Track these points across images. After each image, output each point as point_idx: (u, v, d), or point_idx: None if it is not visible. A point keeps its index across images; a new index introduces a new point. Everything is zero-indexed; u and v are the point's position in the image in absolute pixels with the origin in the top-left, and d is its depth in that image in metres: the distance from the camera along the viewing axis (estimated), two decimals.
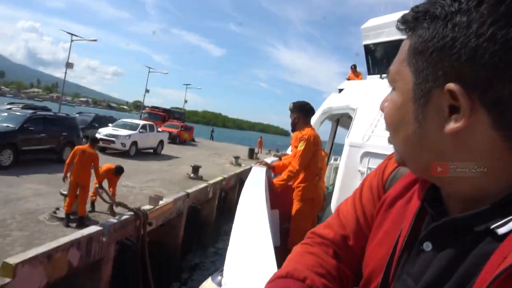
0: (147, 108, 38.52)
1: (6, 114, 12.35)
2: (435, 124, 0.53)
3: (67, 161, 7.61)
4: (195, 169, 14.37)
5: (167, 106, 40.94)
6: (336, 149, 11.32)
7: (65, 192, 7.51)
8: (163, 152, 20.72)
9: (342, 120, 10.57)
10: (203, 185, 12.26)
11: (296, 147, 3.80)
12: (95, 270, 6.56)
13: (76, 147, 7.85)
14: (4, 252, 5.38)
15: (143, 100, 43.93)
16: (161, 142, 20.65)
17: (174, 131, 28.11)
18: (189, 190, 10.87)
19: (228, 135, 73.88)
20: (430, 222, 0.61)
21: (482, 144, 0.50)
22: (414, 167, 0.60)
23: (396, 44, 8.59)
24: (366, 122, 6.96)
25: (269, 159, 5.03)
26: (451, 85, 0.50)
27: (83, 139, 15.59)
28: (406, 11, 0.56)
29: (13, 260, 4.74)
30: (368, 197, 0.79)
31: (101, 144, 15.35)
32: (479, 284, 0.47)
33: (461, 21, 0.48)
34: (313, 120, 9.19)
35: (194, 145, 30.39)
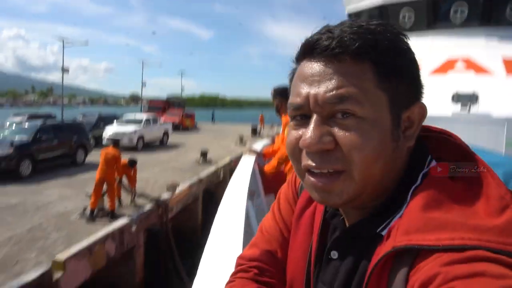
0: (144, 101, 38.95)
1: (17, 127, 13.00)
2: (402, 141, 0.57)
3: None
4: (203, 154, 14.98)
5: (164, 95, 41.50)
6: None
7: (90, 193, 8.17)
8: (169, 141, 21.30)
9: None
10: (213, 168, 12.90)
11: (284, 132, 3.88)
12: (129, 257, 7.28)
13: (101, 150, 8.61)
14: (50, 252, 6.06)
15: (141, 93, 44.31)
16: (166, 133, 21.21)
17: (176, 119, 28.65)
18: (201, 175, 11.50)
19: (229, 116, 74.17)
20: (333, 232, 0.66)
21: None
22: (371, 193, 0.58)
23: (379, 10, 8.86)
24: None
25: (262, 143, 5.38)
26: (422, 104, 0.59)
27: (92, 140, 16.18)
28: None
29: (61, 256, 5.43)
30: (286, 208, 0.80)
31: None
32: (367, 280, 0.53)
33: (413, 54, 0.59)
34: None
35: (197, 131, 30.95)
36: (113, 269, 6.79)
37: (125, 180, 9.04)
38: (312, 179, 0.57)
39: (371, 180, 0.55)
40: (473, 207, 0.50)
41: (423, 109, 0.59)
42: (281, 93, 3.81)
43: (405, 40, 0.58)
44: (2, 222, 7.51)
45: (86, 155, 14.28)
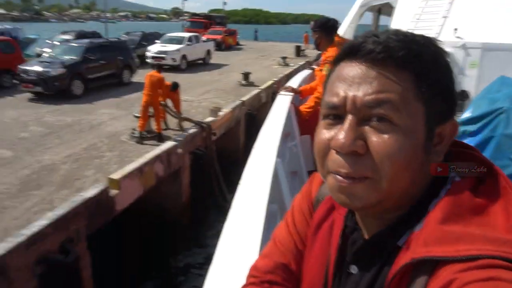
0: (186, 15, 38.14)
1: (66, 46, 13.35)
2: (432, 156, 0.57)
3: None
4: (246, 75, 14.86)
5: (205, 9, 40.34)
6: None
7: (137, 115, 8.52)
8: (211, 61, 21.16)
9: (384, 9, 10.12)
10: (255, 91, 12.87)
11: (322, 70, 3.60)
12: (176, 177, 7.74)
13: (146, 74, 8.76)
14: (105, 170, 6.57)
15: (183, 7, 43.36)
16: (209, 52, 21.02)
17: (218, 37, 28.06)
18: (244, 98, 11.57)
19: (272, 32, 71.57)
20: (352, 246, 0.64)
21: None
22: (394, 203, 0.57)
23: None
24: (409, 12, 6.84)
25: (301, 76, 5.12)
26: (455, 122, 0.59)
27: (137, 59, 16.40)
28: None
29: (116, 175, 5.88)
30: (301, 221, 0.79)
31: (154, 62, 16.14)
32: None
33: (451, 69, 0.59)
34: (352, 14, 8.99)
35: (239, 49, 30.37)
36: (161, 189, 7.30)
37: (170, 103, 9.28)
38: (337, 179, 0.56)
39: (396, 190, 0.55)
40: (493, 222, 0.50)
41: (455, 127, 0.59)
42: (322, 26, 3.50)
43: (447, 56, 0.58)
44: (62, 139, 8.12)
45: (132, 74, 14.58)
